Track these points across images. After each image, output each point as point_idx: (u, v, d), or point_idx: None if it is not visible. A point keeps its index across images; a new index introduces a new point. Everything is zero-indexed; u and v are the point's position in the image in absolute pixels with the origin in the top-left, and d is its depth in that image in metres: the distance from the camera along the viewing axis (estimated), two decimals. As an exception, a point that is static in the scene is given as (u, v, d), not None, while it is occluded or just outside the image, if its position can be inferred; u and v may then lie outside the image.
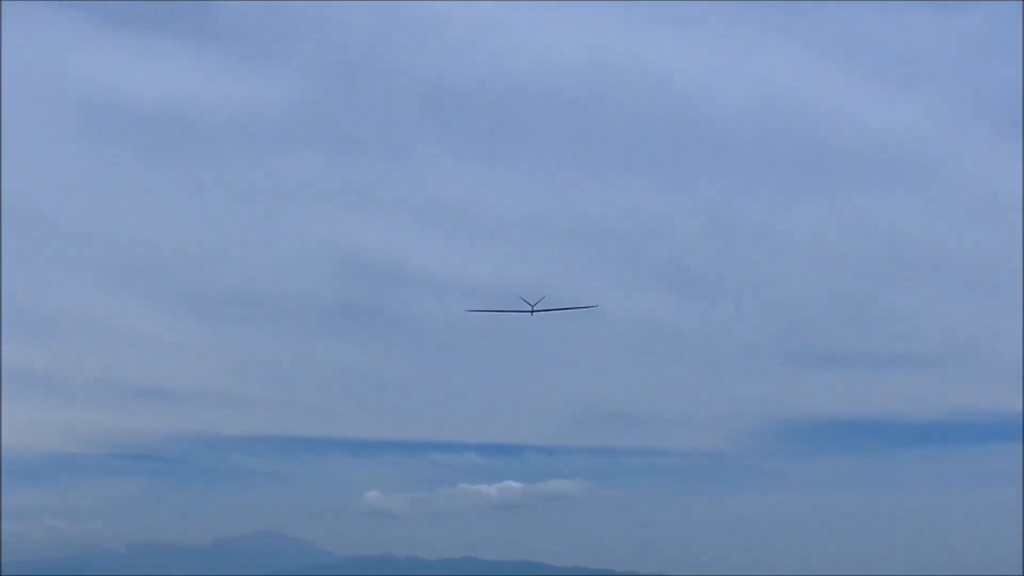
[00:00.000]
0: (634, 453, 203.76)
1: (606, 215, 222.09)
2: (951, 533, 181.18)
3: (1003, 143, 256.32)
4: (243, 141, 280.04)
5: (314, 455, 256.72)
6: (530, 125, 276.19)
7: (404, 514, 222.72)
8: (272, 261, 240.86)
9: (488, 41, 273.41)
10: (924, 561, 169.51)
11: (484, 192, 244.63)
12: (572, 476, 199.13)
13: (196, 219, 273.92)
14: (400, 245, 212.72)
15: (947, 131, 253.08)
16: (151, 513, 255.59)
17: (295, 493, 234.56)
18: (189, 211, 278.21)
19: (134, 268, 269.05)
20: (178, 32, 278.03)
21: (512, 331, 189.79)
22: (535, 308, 63.91)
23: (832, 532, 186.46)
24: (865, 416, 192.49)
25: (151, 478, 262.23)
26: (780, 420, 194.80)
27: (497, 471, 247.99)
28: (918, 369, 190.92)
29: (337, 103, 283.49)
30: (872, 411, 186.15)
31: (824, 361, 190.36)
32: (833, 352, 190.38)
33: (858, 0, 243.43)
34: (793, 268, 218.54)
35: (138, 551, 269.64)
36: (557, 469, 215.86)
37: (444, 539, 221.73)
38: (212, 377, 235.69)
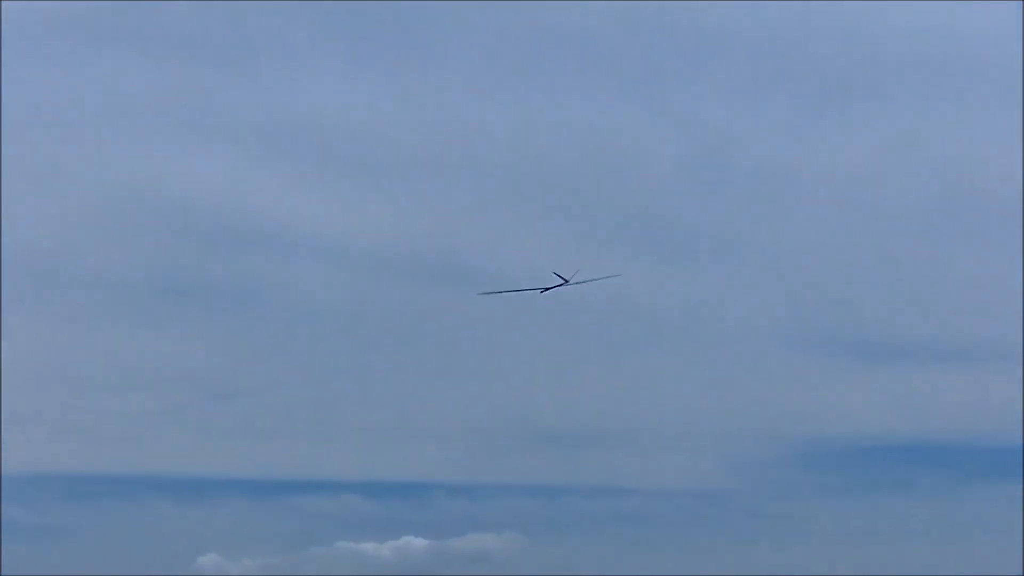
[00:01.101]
0: (588, 493, 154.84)
1: (551, 148, 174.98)
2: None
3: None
4: (18, 39, 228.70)
5: (121, 501, 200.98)
6: (441, 22, 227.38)
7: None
8: (62, 213, 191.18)
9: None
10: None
11: (375, 117, 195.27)
12: (499, 527, 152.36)
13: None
14: (251, 192, 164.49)
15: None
16: None
17: (93, 556, 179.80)
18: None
19: None
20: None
21: (416, 320, 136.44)
22: (567, 281, 65.00)
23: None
24: (925, 435, 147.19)
25: None
26: (799, 441, 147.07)
27: (392, 522, 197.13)
28: (999, 366, 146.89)
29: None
30: (935, 427, 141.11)
31: (861, 355, 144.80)
32: (874, 342, 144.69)
33: None
34: (813, 220, 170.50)
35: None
36: (478, 518, 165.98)
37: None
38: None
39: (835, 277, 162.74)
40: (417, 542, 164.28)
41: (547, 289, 67.72)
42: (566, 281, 67.18)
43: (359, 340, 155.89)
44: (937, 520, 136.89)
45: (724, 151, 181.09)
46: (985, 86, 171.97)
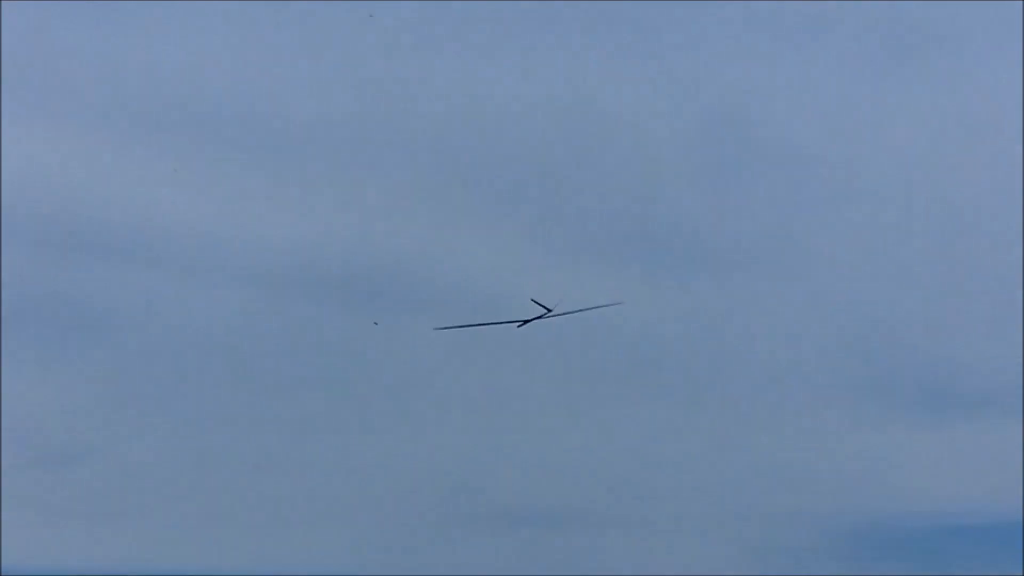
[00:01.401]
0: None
1: (523, 128, 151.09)
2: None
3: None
4: None
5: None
6: None
7: None
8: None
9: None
10: None
11: (281, 83, 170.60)
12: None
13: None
14: (104, 181, 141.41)
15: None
16: None
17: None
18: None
19: None
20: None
21: (342, 361, 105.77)
22: (549, 311, 57.26)
23: None
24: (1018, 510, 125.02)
25: None
26: (847, 519, 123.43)
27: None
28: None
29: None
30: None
31: (933, 404, 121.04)
32: (949, 386, 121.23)
33: None
34: (868, 222, 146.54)
35: None
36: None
37: None
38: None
39: (898, 298, 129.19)
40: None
41: (525, 322, 60.21)
42: (548, 311, 59.45)
43: (254, 386, 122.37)
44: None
45: (747, 129, 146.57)
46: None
